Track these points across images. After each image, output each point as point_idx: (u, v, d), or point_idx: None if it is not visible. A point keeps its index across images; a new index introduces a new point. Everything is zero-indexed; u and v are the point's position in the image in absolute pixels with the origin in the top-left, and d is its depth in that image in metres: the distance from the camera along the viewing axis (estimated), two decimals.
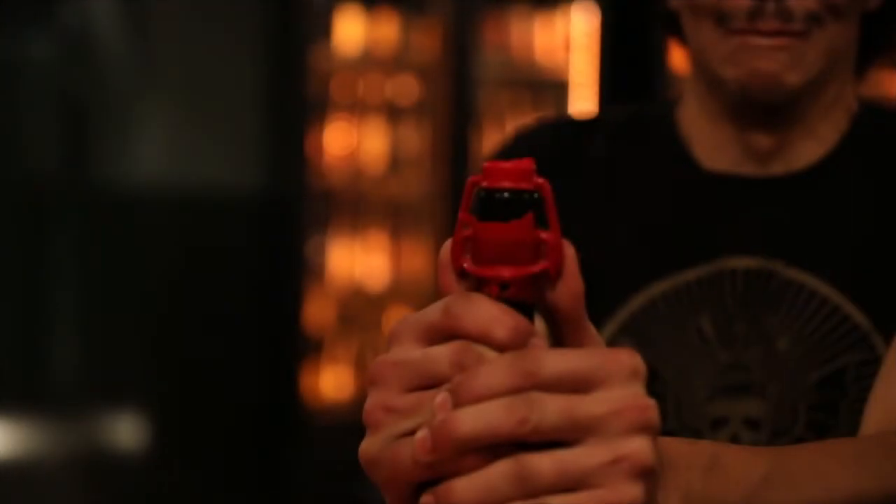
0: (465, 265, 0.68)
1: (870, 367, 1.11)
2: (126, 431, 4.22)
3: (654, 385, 1.04)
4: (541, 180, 0.67)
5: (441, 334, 0.66)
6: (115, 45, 4.21)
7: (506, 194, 0.66)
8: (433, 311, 0.67)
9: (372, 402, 0.67)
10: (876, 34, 1.23)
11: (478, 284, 0.67)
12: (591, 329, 0.70)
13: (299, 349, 4.27)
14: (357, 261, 4.44)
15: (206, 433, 4.23)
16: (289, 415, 4.25)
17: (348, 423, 4.15)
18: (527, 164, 0.67)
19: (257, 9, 4.29)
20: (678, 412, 1.16)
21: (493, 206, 0.66)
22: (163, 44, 4.23)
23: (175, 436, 4.23)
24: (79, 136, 4.19)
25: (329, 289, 4.39)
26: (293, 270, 4.25)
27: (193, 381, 4.23)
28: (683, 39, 1.23)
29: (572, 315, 0.68)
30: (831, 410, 1.14)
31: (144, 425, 4.24)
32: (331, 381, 4.36)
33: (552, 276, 0.67)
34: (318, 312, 4.34)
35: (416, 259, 4.44)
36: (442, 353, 0.66)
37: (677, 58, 4.01)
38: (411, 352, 0.67)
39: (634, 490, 0.64)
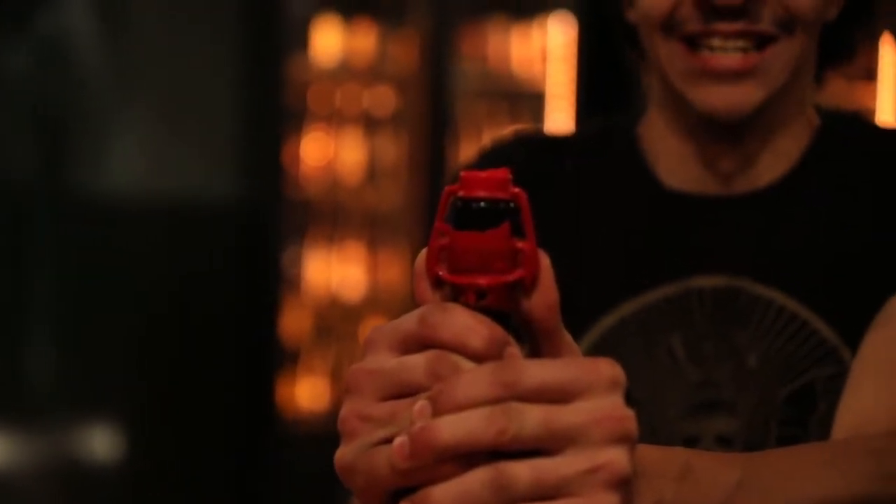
0: (440, 273, 0.68)
1: (839, 381, 1.11)
2: (103, 441, 4.21)
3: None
4: (517, 190, 0.67)
5: (417, 343, 0.67)
6: (92, 54, 4.20)
7: (482, 203, 0.67)
8: (409, 321, 0.67)
9: (347, 410, 0.68)
10: (834, 43, 1.23)
11: (454, 293, 0.68)
12: (568, 339, 0.70)
13: (276, 359, 4.26)
14: (334, 271, 4.44)
15: (183, 443, 4.22)
16: (266, 425, 4.24)
17: (325, 434, 4.14)
18: (503, 173, 0.67)
19: (235, 19, 4.28)
20: (650, 431, 1.16)
21: (470, 216, 0.67)
22: (140, 53, 4.22)
23: (152, 446, 4.22)
24: (56, 144, 4.17)
25: (306, 299, 4.39)
26: (270, 281, 4.25)
27: (170, 390, 4.22)
28: (644, 57, 1.23)
29: (548, 325, 0.69)
30: (802, 425, 1.15)
31: (121, 435, 4.22)
32: (307, 392, 4.35)
33: (528, 285, 0.67)
34: (294, 323, 4.33)
35: (393, 270, 4.44)
36: (417, 362, 0.66)
37: None
38: (387, 360, 0.67)
39: (611, 499, 0.65)
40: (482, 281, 0.67)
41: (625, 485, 0.65)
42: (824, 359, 1.15)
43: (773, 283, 1.17)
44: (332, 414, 4.20)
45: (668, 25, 1.14)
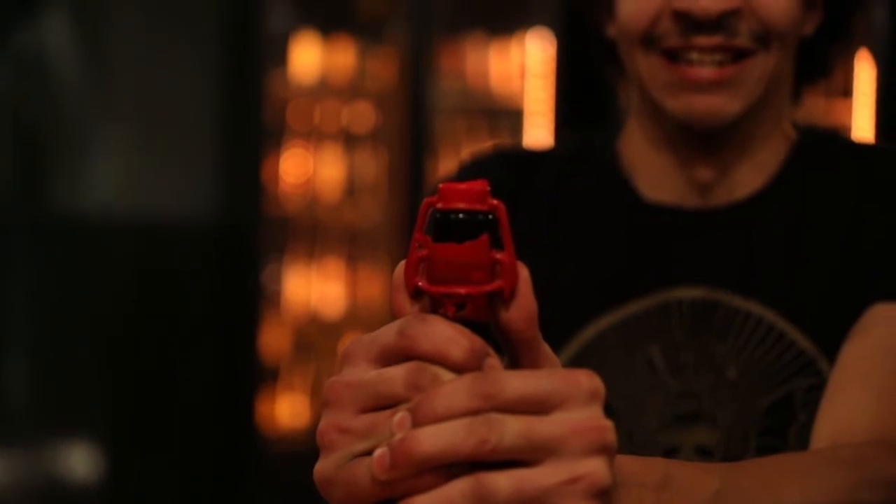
0: (419, 284, 0.68)
1: (817, 392, 1.12)
2: (82, 460, 4.19)
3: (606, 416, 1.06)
4: (495, 201, 0.68)
5: (396, 356, 0.67)
6: (70, 71, 4.19)
7: (461, 215, 0.67)
8: (388, 333, 0.67)
9: (326, 423, 0.68)
10: (811, 59, 1.25)
11: (433, 305, 0.68)
12: (547, 350, 0.70)
13: (255, 377, 4.25)
14: (313, 288, 4.43)
15: (162, 460, 4.21)
16: (245, 442, 4.23)
17: (305, 451, 4.13)
18: (481, 185, 0.67)
19: (214, 35, 4.28)
20: (630, 442, 1.16)
21: (448, 227, 0.67)
22: (118, 69, 4.21)
23: (131, 464, 4.20)
24: (34, 162, 4.16)
25: (285, 316, 4.38)
26: (249, 298, 4.24)
27: (149, 408, 4.21)
28: (623, 71, 1.24)
29: (527, 336, 0.69)
30: (781, 435, 1.15)
31: (99, 454, 4.20)
32: (287, 409, 4.34)
33: (506, 296, 0.68)
34: (274, 340, 4.32)
35: (373, 286, 4.44)
36: (397, 374, 0.66)
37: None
38: (365, 373, 0.67)
39: None
40: (461, 291, 0.67)
41: (604, 495, 0.66)
42: (803, 370, 1.15)
43: (751, 295, 1.18)
44: (312, 431, 4.18)
45: (648, 40, 1.16)
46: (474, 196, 0.67)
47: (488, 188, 0.68)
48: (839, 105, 4.45)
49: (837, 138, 1.29)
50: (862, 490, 0.94)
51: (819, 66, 1.26)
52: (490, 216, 0.67)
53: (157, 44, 4.20)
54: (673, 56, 1.16)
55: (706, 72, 1.14)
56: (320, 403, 0.69)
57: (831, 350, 1.13)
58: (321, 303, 4.42)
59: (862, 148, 1.28)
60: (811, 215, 1.20)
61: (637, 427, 1.16)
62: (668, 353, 1.18)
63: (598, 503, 0.65)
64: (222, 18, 4.31)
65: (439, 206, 0.67)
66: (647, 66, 1.17)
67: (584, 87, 4.35)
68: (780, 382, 1.16)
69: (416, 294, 0.68)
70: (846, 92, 4.46)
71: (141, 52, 4.20)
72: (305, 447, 4.15)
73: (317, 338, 4.38)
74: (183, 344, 4.24)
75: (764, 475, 0.91)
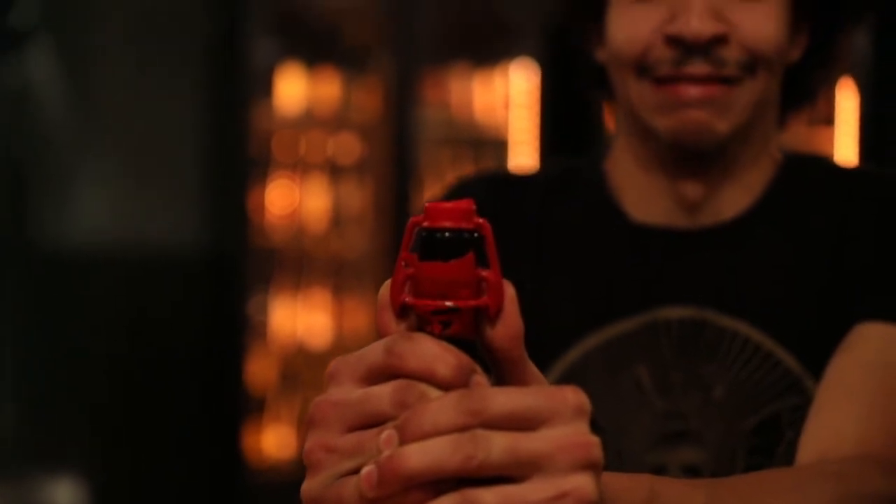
0: (406, 300, 0.68)
1: (803, 411, 1.13)
2: (68, 493, 4.17)
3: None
4: (481, 220, 0.68)
5: (383, 374, 0.67)
6: (55, 104, 4.20)
7: (446, 234, 0.67)
8: (374, 352, 0.68)
9: (312, 442, 0.68)
10: (797, 85, 1.26)
11: (419, 323, 0.68)
12: (533, 368, 0.71)
13: (242, 408, 4.24)
14: (299, 319, 4.43)
15: (149, 492, 4.19)
16: (232, 473, 4.22)
17: (291, 482, 4.12)
18: (467, 204, 0.68)
19: (199, 67, 4.29)
20: (618, 462, 1.17)
21: (434, 245, 0.67)
22: (104, 103, 4.22)
23: (118, 496, 4.18)
24: (20, 195, 4.16)
25: (271, 347, 4.38)
26: (235, 328, 4.23)
27: (135, 440, 4.20)
28: (611, 94, 1.26)
29: (512, 355, 0.69)
30: (768, 454, 1.16)
31: (86, 486, 4.19)
32: (274, 440, 4.33)
33: (492, 314, 0.68)
34: (260, 371, 4.32)
35: (359, 316, 4.44)
36: (384, 392, 0.66)
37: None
38: (351, 392, 0.68)
39: None
40: (448, 304, 0.67)
41: None
42: (789, 389, 1.16)
43: (738, 315, 1.18)
44: (299, 462, 4.18)
45: (641, 68, 1.17)
46: (460, 214, 0.67)
47: (474, 207, 0.68)
48: (822, 133, 4.48)
49: (822, 161, 1.31)
50: (845, 503, 0.95)
51: (804, 91, 1.28)
52: (476, 234, 0.68)
53: (142, 76, 4.21)
54: (664, 82, 1.18)
55: (695, 89, 1.16)
56: (306, 423, 0.69)
57: (817, 370, 1.14)
58: (307, 333, 4.41)
59: (846, 171, 1.30)
60: (797, 236, 1.21)
61: (624, 446, 1.17)
62: (655, 372, 1.18)
63: None
64: (208, 51, 4.32)
65: (425, 224, 0.68)
66: (637, 92, 1.19)
67: (568, 117, 4.36)
68: (767, 402, 1.16)
69: (402, 312, 0.68)
70: (829, 120, 4.48)
71: (126, 84, 4.21)
72: (292, 478, 4.14)
73: (303, 368, 4.37)
74: (169, 375, 4.23)
75: (749, 491, 0.91)
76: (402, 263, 0.68)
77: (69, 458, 4.18)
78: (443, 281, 0.67)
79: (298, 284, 4.44)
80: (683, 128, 1.17)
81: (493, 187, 1.30)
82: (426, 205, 0.68)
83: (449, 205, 0.68)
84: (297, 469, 4.11)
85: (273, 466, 4.27)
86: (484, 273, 0.67)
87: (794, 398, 1.15)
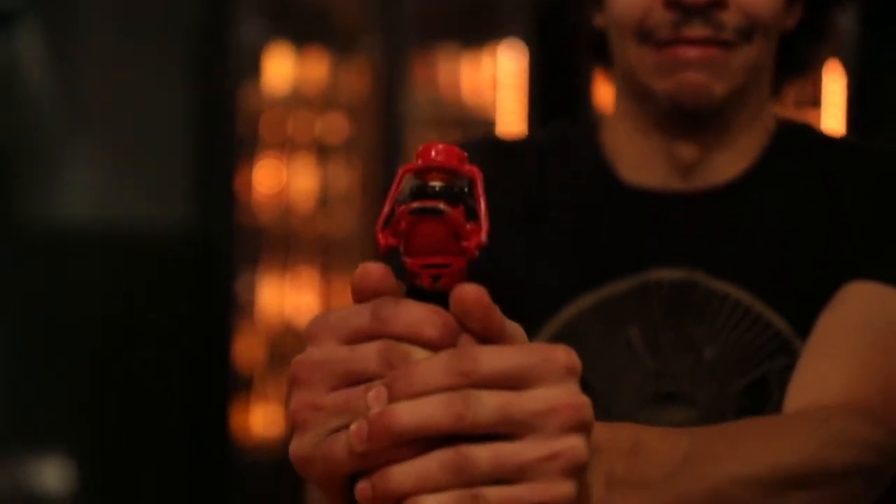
0: (392, 244, 0.68)
1: (791, 372, 1.14)
2: (54, 472, 4.17)
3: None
4: (472, 167, 0.68)
5: (367, 337, 0.67)
6: (42, 84, 4.19)
7: (437, 187, 0.67)
8: (359, 314, 0.67)
9: (298, 401, 0.68)
10: (792, 53, 1.28)
11: (409, 277, 0.68)
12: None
13: (229, 387, 4.24)
14: (287, 298, 4.43)
15: (136, 471, 4.19)
16: (219, 452, 4.22)
17: (279, 460, 4.13)
18: (459, 150, 0.68)
19: (187, 46, 4.29)
20: (608, 420, 1.17)
21: (425, 198, 0.67)
22: (90, 83, 4.21)
23: (104, 475, 4.19)
24: (5, 175, 4.15)
25: (259, 326, 4.38)
26: (223, 308, 4.23)
27: (122, 420, 4.20)
28: (608, 59, 1.27)
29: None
30: (757, 415, 1.16)
31: (73, 465, 4.19)
32: (261, 419, 4.33)
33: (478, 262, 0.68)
34: (247, 350, 4.32)
35: (346, 296, 4.42)
36: (369, 351, 0.66)
37: (603, 95, 4.06)
38: (335, 350, 0.67)
39: (568, 486, 0.66)
40: (440, 261, 0.67)
41: (581, 471, 0.66)
42: (778, 351, 1.17)
43: (728, 278, 1.19)
44: (286, 441, 4.18)
45: (642, 34, 1.18)
46: (453, 155, 0.67)
47: (466, 155, 0.68)
48: (809, 114, 4.49)
49: (813, 130, 1.33)
50: (829, 449, 0.96)
51: (799, 62, 1.30)
52: (466, 189, 0.68)
53: (128, 56, 4.20)
54: (663, 46, 1.19)
55: (693, 51, 1.17)
56: (288, 383, 0.69)
57: (805, 331, 1.15)
58: (295, 312, 4.41)
59: (839, 140, 1.32)
60: (789, 201, 1.23)
61: (614, 405, 1.18)
62: (646, 333, 1.19)
63: (575, 479, 0.66)
64: (195, 30, 4.32)
65: (419, 161, 0.67)
66: (638, 56, 1.20)
67: (555, 97, 4.37)
68: (757, 363, 1.17)
69: (387, 256, 0.68)
70: (816, 102, 4.49)
71: (113, 64, 4.20)
72: (279, 456, 4.14)
73: (290, 347, 4.37)
74: (157, 354, 4.23)
75: (732, 437, 0.92)
76: (390, 207, 0.68)
77: (56, 440, 4.18)
78: (433, 235, 0.67)
79: (286, 264, 4.44)
80: (681, 90, 1.18)
81: (487, 151, 1.31)
82: (420, 147, 0.68)
83: (442, 145, 0.67)
84: (285, 447, 4.11)
85: (260, 445, 4.27)
86: (473, 226, 0.67)
87: (782, 359, 1.16)
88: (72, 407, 4.15)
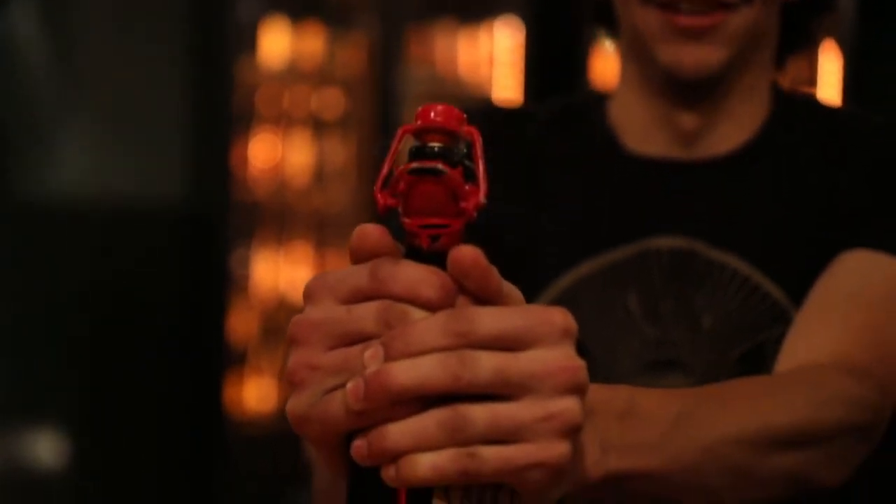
0: (405, 220, 0.68)
1: None
2: (48, 447, 4.18)
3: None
4: (472, 129, 0.68)
5: (366, 297, 0.67)
6: (38, 59, 4.18)
7: (436, 148, 0.67)
8: (357, 274, 0.67)
9: (295, 361, 0.68)
10: (794, 25, 1.28)
11: (407, 237, 0.68)
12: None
13: (223, 361, 4.25)
14: (281, 273, 4.43)
15: (129, 446, 4.20)
16: (213, 426, 4.23)
17: (273, 435, 4.14)
18: (459, 112, 0.68)
19: (182, 21, 4.28)
20: None
21: (424, 159, 0.67)
22: (86, 57, 4.20)
23: (98, 450, 4.19)
24: (1, 148, 4.15)
25: (253, 301, 4.38)
26: (217, 282, 4.24)
27: (116, 394, 4.20)
28: (613, 27, 1.27)
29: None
30: None
31: (67, 440, 4.19)
32: (255, 393, 4.34)
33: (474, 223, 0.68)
34: (242, 324, 4.32)
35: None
36: (367, 311, 0.67)
37: (600, 73, 4.06)
38: (333, 310, 0.67)
39: (563, 447, 0.66)
40: (439, 222, 0.67)
41: (576, 432, 0.67)
42: (775, 320, 1.18)
43: (727, 247, 1.20)
44: (280, 415, 4.19)
45: None
46: (453, 116, 0.67)
47: (465, 116, 0.68)
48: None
49: (815, 101, 1.34)
50: (820, 408, 0.96)
51: (801, 34, 1.30)
52: (465, 150, 0.68)
53: (124, 30, 4.19)
54: (666, 7, 1.19)
55: (695, 19, 1.17)
56: (287, 342, 0.69)
57: (802, 300, 1.15)
58: (289, 287, 4.42)
59: (836, 111, 1.33)
60: (790, 172, 1.23)
61: (612, 372, 1.18)
62: (645, 300, 1.20)
63: (569, 441, 0.66)
64: (192, 5, 4.31)
65: (418, 122, 0.67)
66: (642, 17, 1.20)
67: (552, 74, 4.37)
68: (754, 333, 1.18)
69: (384, 216, 0.68)
70: (811, 82, 4.50)
71: (108, 38, 4.19)
72: (273, 430, 4.15)
73: (285, 322, 4.37)
74: (151, 329, 4.23)
75: (725, 397, 0.93)
76: (389, 167, 0.68)
77: (50, 413, 4.18)
78: (432, 196, 0.67)
79: (280, 239, 4.45)
80: (682, 63, 1.18)
81: (487, 116, 1.31)
82: (419, 108, 0.68)
83: (441, 106, 0.68)
84: (279, 422, 4.13)
85: (254, 419, 4.28)
86: (472, 187, 0.67)
87: (779, 328, 1.17)
88: (66, 382, 4.16)
